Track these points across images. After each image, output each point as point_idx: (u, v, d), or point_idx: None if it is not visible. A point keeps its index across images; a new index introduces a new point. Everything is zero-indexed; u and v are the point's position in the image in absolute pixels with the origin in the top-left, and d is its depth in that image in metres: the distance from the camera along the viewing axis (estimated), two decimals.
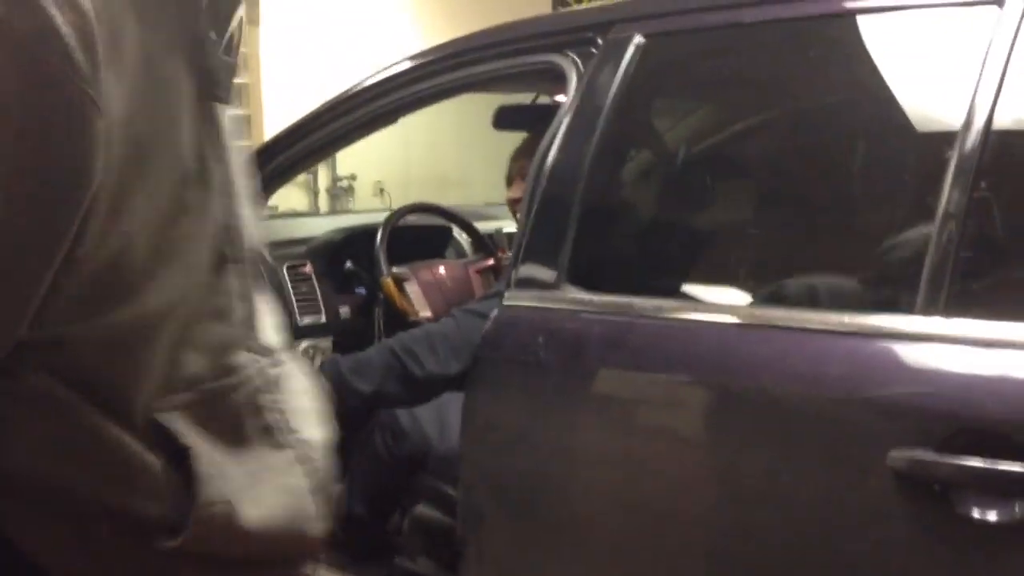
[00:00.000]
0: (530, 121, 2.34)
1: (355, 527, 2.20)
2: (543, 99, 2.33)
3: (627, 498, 1.36)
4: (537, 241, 1.51)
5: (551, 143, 1.54)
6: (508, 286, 1.53)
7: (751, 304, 1.36)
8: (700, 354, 1.32)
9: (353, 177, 5.95)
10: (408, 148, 5.95)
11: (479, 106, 2.42)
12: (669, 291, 1.46)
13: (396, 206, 2.56)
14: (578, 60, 1.58)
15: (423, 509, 1.99)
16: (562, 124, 1.54)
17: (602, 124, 1.49)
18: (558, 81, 1.64)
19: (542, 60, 1.67)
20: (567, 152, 1.52)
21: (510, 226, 2.79)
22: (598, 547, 1.40)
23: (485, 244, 2.56)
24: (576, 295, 1.45)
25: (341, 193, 6.00)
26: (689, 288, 1.50)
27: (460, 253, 2.63)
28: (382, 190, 6.03)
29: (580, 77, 1.56)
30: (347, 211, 5.25)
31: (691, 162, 1.61)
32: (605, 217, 1.58)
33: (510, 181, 2.13)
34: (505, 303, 1.50)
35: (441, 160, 5.61)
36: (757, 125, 1.60)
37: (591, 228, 1.50)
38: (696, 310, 1.39)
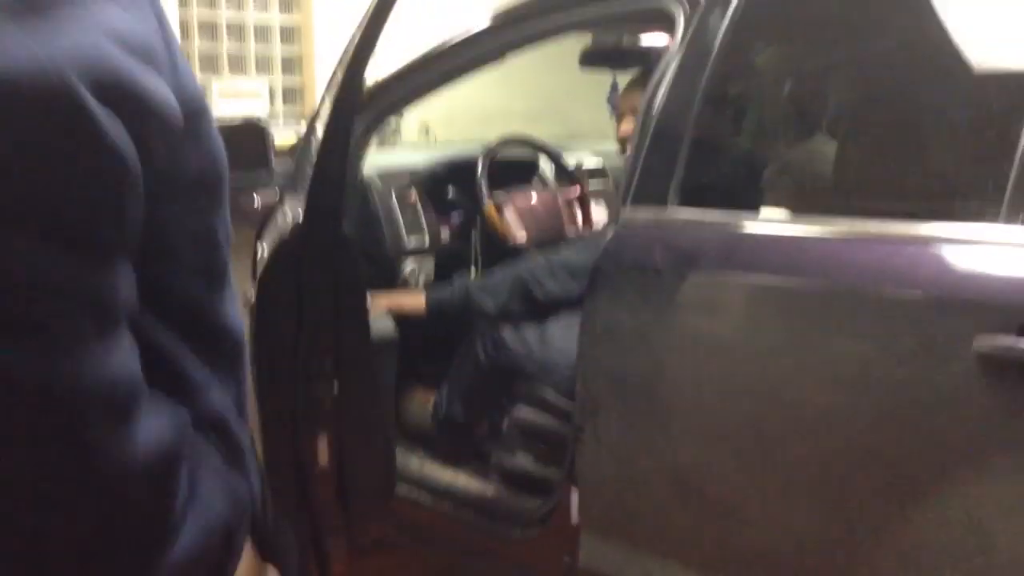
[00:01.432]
0: (615, 61, 2.53)
1: (453, 430, 2.44)
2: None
3: (733, 386, 1.54)
4: (650, 165, 1.70)
5: (662, 79, 1.72)
6: (624, 205, 1.73)
7: (847, 218, 1.54)
8: (802, 262, 1.52)
9: (400, 115, 6.11)
10: (451, 88, 6.11)
11: None
12: (766, 210, 1.66)
13: (441, 143, 2.78)
14: (686, 3, 1.76)
15: (523, 411, 2.21)
16: (672, 62, 1.72)
17: (710, 63, 1.67)
18: (665, 23, 1.82)
19: (650, 3, 1.85)
20: (678, 87, 1.70)
21: (589, 160, 2.99)
22: (703, 429, 1.60)
23: (571, 175, 2.76)
24: (686, 213, 1.66)
25: (388, 132, 6.17)
26: (784, 207, 1.70)
27: (544, 183, 2.84)
28: (427, 130, 6.20)
29: (688, 20, 1.73)
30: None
31: (788, 98, 1.80)
32: (711, 145, 1.77)
33: (620, 117, 2.31)
34: (622, 220, 1.71)
35: (483, 99, 5.77)
36: (848, 63, 1.78)
37: (699, 155, 1.69)
38: (793, 224, 1.59)
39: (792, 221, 1.57)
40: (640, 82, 2.00)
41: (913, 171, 1.56)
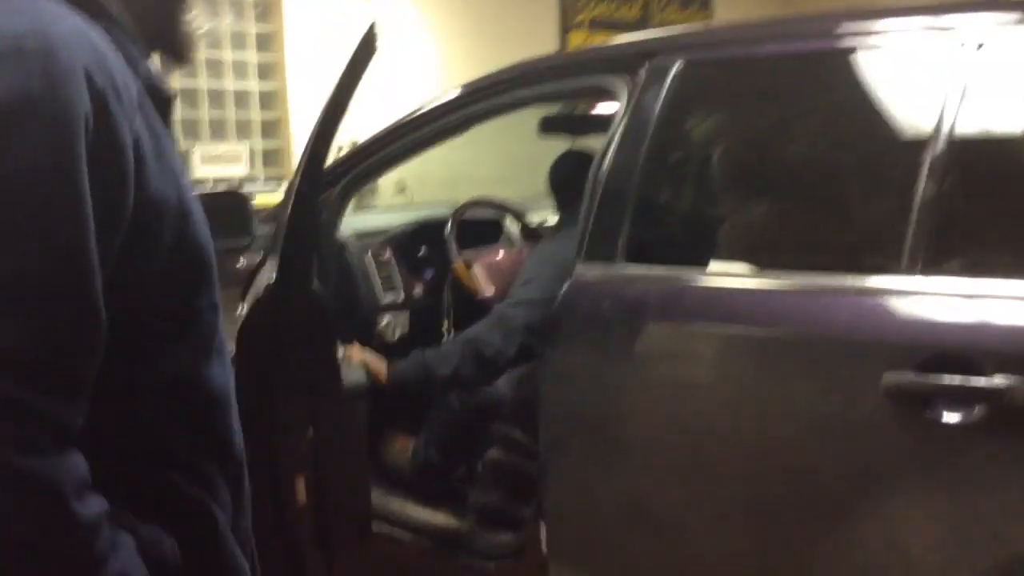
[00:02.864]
0: (570, 128, 2.73)
1: (431, 473, 2.59)
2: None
3: (677, 424, 1.72)
4: (600, 226, 1.88)
5: (607, 149, 1.91)
6: (576, 261, 1.90)
7: (772, 272, 1.73)
8: (735, 310, 1.70)
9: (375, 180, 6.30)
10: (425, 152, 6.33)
11: None
12: (705, 264, 1.84)
13: (417, 202, 2.96)
14: (627, 81, 1.95)
15: (495, 452, 2.37)
16: (616, 133, 1.90)
17: (650, 133, 1.86)
18: (609, 98, 2.01)
19: (597, 81, 2.05)
20: (622, 155, 1.88)
21: (551, 219, 3.18)
22: (653, 462, 1.76)
23: (532, 232, 2.95)
24: (633, 268, 1.84)
25: (366, 191, 6.35)
26: (721, 261, 1.89)
27: (509, 241, 3.02)
28: (404, 188, 6.40)
29: (630, 95, 1.92)
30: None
31: (720, 164, 2.00)
32: (653, 207, 1.96)
33: None
34: (576, 275, 1.88)
35: (454, 162, 5.96)
36: (769, 136, 1.99)
37: (643, 216, 1.88)
38: (729, 277, 1.78)
39: (726, 275, 1.75)
40: None
41: (829, 229, 1.75)
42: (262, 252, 2.31)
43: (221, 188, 4.23)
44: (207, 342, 0.88)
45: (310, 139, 1.88)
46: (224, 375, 0.91)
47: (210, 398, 0.89)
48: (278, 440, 1.82)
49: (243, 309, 2.00)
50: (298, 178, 1.91)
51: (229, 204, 2.35)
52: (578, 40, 7.28)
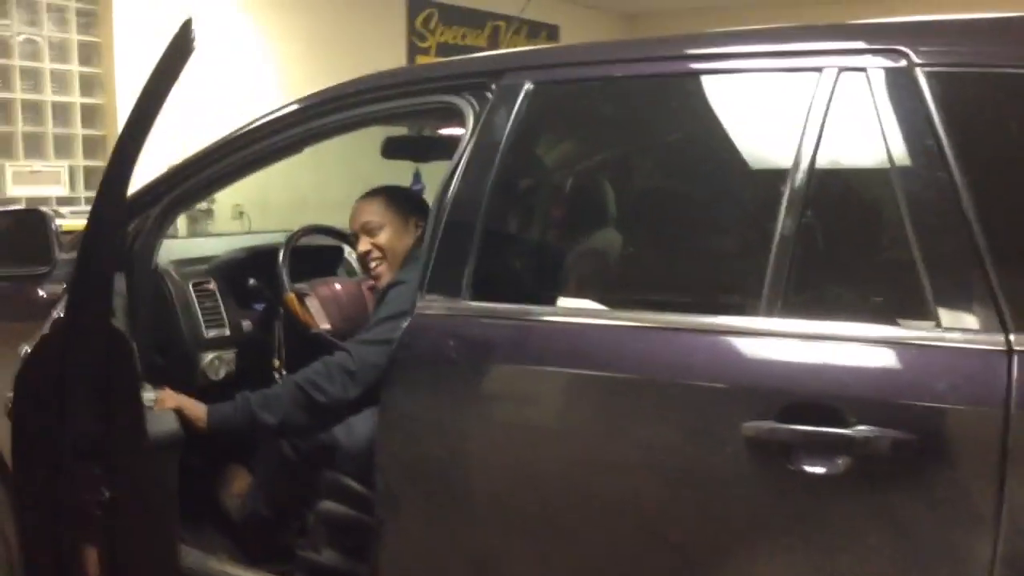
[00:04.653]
0: (414, 151, 2.58)
1: (260, 528, 2.35)
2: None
3: (525, 474, 1.59)
4: (443, 259, 1.73)
5: (452, 175, 1.77)
6: (418, 295, 1.75)
7: (626, 309, 1.63)
8: (586, 350, 1.58)
9: (212, 201, 5.99)
10: (266, 172, 6.09)
11: None
12: (555, 300, 1.72)
13: (255, 229, 2.75)
14: (474, 102, 1.82)
15: (328, 504, 2.16)
16: (462, 158, 1.76)
17: (498, 158, 1.74)
18: (455, 119, 1.88)
19: (442, 100, 1.90)
20: (468, 182, 1.74)
21: None
22: (501, 518, 1.62)
23: None
24: (479, 304, 1.69)
25: (201, 216, 6.02)
26: (572, 297, 1.77)
27: (349, 271, 2.83)
28: (241, 213, 6.09)
29: (477, 117, 1.79)
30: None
31: (571, 191, 1.89)
32: (502, 238, 1.83)
33: (357, 239, 2.34)
34: (417, 312, 1.72)
35: (299, 185, 5.74)
36: (623, 161, 1.90)
37: (490, 248, 1.74)
38: (579, 315, 1.66)
39: (578, 313, 1.63)
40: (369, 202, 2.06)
41: (685, 265, 1.66)
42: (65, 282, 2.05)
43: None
44: None
45: (113, 152, 1.65)
46: None
47: None
48: (67, 501, 1.56)
49: (25, 348, 1.73)
50: (97, 197, 1.67)
51: (26, 224, 2.08)
52: None
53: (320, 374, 1.97)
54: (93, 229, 1.64)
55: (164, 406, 1.95)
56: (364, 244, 2.29)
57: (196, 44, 1.58)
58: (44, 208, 2.21)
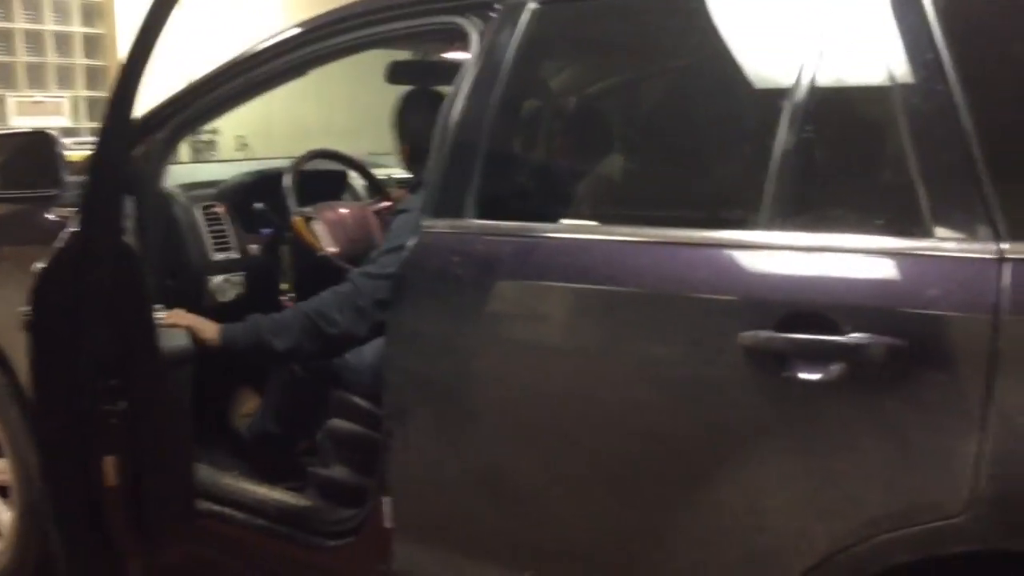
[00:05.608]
0: (421, 75, 2.58)
1: (270, 445, 2.42)
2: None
3: (531, 387, 1.63)
4: (449, 178, 1.76)
5: (456, 95, 1.78)
6: (424, 216, 1.77)
7: (629, 224, 1.65)
8: (588, 265, 1.61)
9: (215, 131, 5.98)
10: (269, 102, 6.06)
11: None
12: (557, 218, 1.75)
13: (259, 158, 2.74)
14: (479, 22, 1.82)
15: (336, 422, 2.22)
16: (466, 79, 1.78)
17: (502, 79, 1.75)
18: (459, 41, 1.88)
19: (445, 21, 1.90)
20: (472, 102, 1.76)
21: (400, 173, 3.03)
22: (507, 430, 1.67)
23: (380, 187, 2.79)
24: (483, 222, 1.72)
25: (203, 147, 6.02)
26: (575, 217, 1.80)
27: (354, 196, 2.85)
28: (245, 144, 6.09)
29: (481, 37, 1.80)
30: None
31: (575, 111, 1.90)
32: (506, 158, 1.85)
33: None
34: (423, 230, 1.75)
35: (301, 114, 5.73)
36: (628, 80, 1.91)
37: (494, 167, 1.76)
38: (582, 231, 1.68)
39: (581, 229, 1.65)
40: None
41: (687, 181, 1.68)
42: (74, 206, 2.07)
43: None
44: None
45: (117, 77, 1.66)
46: None
47: None
48: (87, 413, 1.61)
49: (39, 265, 1.76)
50: (103, 119, 1.68)
51: (33, 146, 2.10)
52: None
53: (330, 306, 1.95)
54: (103, 148, 1.66)
55: (177, 322, 1.99)
56: None
57: None
58: (50, 130, 2.21)
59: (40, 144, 2.03)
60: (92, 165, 1.69)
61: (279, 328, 1.99)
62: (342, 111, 5.61)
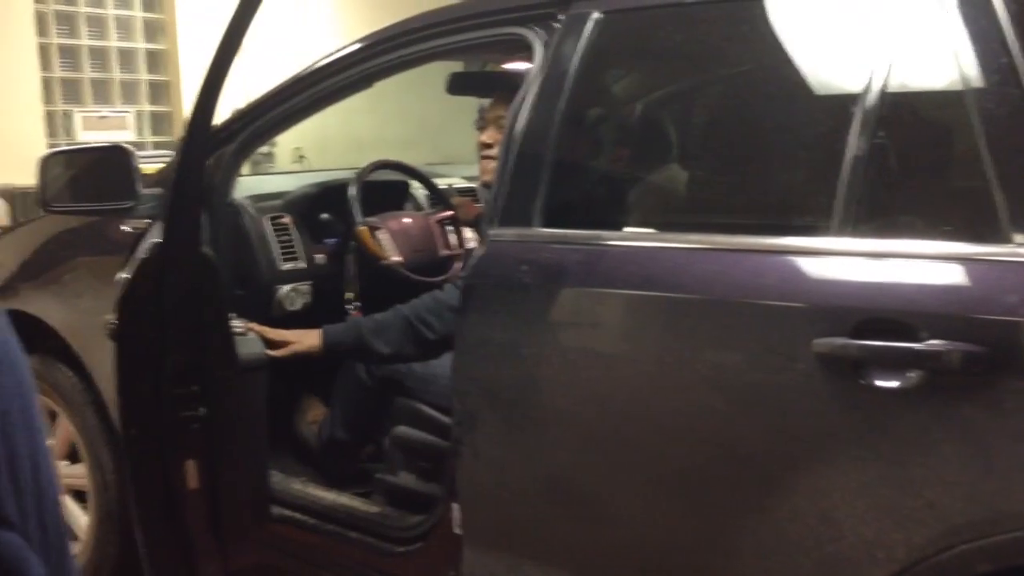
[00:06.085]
0: (481, 86, 2.61)
1: (337, 452, 2.46)
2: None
3: (598, 394, 1.63)
4: (515, 187, 1.78)
5: (522, 105, 1.80)
6: (491, 224, 1.79)
7: (696, 231, 1.65)
8: (656, 273, 1.61)
9: (273, 144, 6.08)
10: (324, 115, 6.15)
11: None
12: (623, 226, 1.75)
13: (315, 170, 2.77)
14: (543, 33, 1.84)
15: (403, 429, 2.25)
16: (531, 89, 1.79)
17: (567, 89, 1.76)
18: (522, 51, 1.90)
19: (509, 32, 1.92)
20: (538, 113, 1.77)
21: (460, 183, 3.07)
22: (573, 436, 1.67)
23: (442, 197, 2.82)
24: (550, 231, 1.73)
25: (262, 159, 6.13)
26: (639, 223, 1.80)
27: (416, 206, 2.88)
28: (302, 157, 6.18)
29: (546, 48, 1.81)
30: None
31: (640, 120, 1.90)
32: (572, 167, 1.86)
33: (483, 127, 2.31)
34: (491, 239, 1.77)
35: (356, 127, 5.80)
36: (693, 89, 1.91)
37: (561, 176, 1.78)
38: (650, 239, 1.69)
39: (648, 238, 1.66)
40: (506, 97, 2.07)
41: (758, 188, 1.68)
42: (150, 217, 2.13)
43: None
44: None
45: (198, 91, 1.71)
46: None
47: None
48: (168, 418, 1.66)
49: (123, 275, 1.82)
50: (185, 133, 1.74)
51: (109, 160, 2.16)
52: None
53: (430, 311, 2.03)
54: (183, 161, 1.71)
55: (286, 337, 2.05)
56: (492, 135, 2.23)
57: None
58: (126, 144, 2.27)
59: (117, 158, 2.08)
60: (174, 177, 1.74)
61: (381, 330, 2.06)
62: (396, 123, 5.67)
